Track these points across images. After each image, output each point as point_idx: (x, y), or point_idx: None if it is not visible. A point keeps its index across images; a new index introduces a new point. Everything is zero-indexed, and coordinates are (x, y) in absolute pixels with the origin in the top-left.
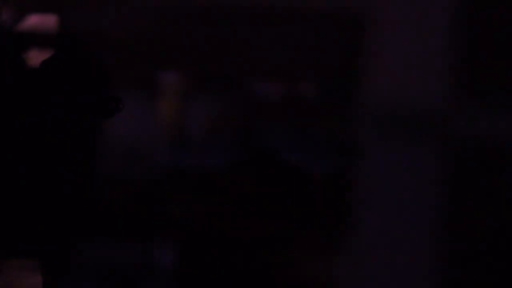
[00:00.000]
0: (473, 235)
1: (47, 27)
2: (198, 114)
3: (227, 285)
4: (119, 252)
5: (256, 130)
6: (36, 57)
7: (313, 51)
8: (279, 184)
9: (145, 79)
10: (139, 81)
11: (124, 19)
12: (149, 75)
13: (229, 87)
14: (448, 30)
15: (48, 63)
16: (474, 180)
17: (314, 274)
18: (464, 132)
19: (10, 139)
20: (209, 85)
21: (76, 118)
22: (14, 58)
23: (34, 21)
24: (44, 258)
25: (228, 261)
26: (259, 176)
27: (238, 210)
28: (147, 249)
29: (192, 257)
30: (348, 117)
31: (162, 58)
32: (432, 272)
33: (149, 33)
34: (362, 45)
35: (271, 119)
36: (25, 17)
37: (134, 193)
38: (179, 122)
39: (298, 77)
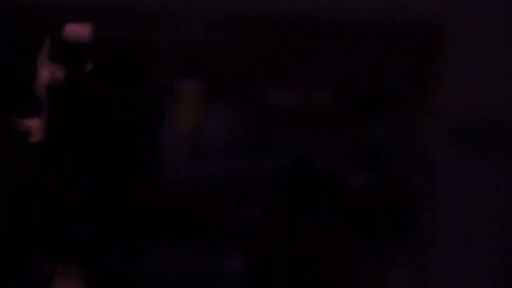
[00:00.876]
0: None
1: (81, 37)
2: (218, 122)
3: None
4: (186, 260)
5: (290, 138)
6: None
7: (380, 59)
8: (321, 192)
9: (164, 87)
10: (158, 89)
11: (143, 27)
12: (167, 83)
13: (259, 95)
14: None
15: (94, 73)
16: None
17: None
18: None
19: (69, 145)
20: (229, 93)
21: (131, 124)
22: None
23: (68, 30)
24: (93, 267)
25: (293, 269)
26: (300, 184)
27: (285, 219)
28: (215, 257)
29: (260, 265)
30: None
31: (179, 66)
32: None
33: (168, 41)
34: (435, 53)
35: (302, 127)
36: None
37: (196, 199)
38: (198, 130)
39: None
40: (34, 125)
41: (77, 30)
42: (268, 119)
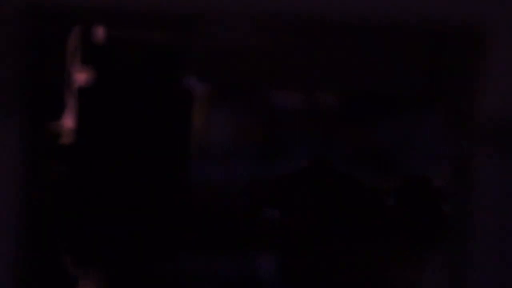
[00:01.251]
0: None
1: (109, 39)
2: (224, 125)
3: None
4: (219, 263)
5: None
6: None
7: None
8: (345, 194)
9: (184, 89)
10: (183, 91)
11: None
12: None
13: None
14: None
15: (122, 75)
16: None
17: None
18: None
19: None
20: (236, 94)
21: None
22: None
23: (97, 33)
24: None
25: (327, 271)
26: (323, 185)
27: (312, 220)
28: (248, 260)
29: (293, 267)
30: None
31: (188, 67)
32: None
33: (174, 42)
34: (472, 54)
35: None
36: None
37: (226, 201)
38: (206, 132)
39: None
40: (65, 127)
41: (105, 33)
42: (278, 121)
